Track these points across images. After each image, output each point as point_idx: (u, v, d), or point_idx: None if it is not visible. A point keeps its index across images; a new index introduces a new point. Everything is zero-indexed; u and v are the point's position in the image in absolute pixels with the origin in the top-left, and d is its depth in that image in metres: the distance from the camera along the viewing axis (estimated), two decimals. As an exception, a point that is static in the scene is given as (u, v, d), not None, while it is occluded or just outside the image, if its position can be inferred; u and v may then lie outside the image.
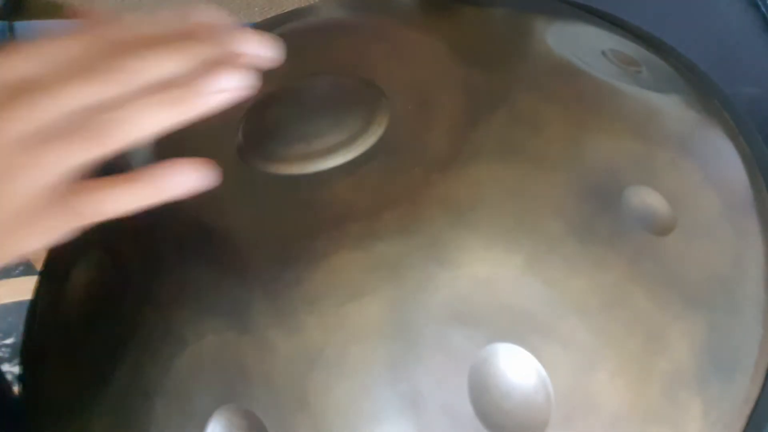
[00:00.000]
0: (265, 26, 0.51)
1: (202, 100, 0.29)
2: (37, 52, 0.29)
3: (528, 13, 0.46)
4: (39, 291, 0.46)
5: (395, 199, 0.36)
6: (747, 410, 0.35)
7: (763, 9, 0.63)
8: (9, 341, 1.01)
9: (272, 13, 0.52)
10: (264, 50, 0.31)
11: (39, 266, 0.46)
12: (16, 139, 0.27)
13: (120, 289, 0.39)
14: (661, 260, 0.35)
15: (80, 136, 0.28)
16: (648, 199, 0.37)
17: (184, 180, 0.29)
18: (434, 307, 0.33)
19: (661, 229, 0.36)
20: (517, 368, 0.33)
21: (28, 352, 0.44)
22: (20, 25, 0.65)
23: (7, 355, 1.01)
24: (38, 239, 0.29)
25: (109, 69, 0.28)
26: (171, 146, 0.44)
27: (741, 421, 0.35)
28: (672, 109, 0.42)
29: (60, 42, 0.29)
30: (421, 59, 0.43)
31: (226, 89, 0.29)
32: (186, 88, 0.29)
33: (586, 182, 0.36)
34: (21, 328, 0.45)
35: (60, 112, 0.28)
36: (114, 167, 0.29)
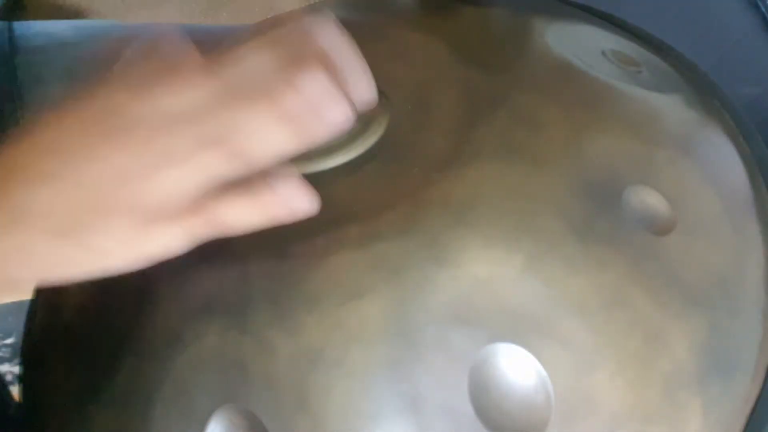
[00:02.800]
0: (265, 26, 0.51)
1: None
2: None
3: (528, 13, 0.46)
4: (39, 291, 0.46)
5: (395, 199, 0.36)
6: (747, 410, 0.35)
7: (763, 9, 0.63)
8: (9, 341, 1.01)
9: (271, 14, 0.51)
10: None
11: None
12: (197, 134, 0.28)
13: (120, 289, 0.39)
14: (660, 260, 0.35)
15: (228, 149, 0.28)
16: (648, 198, 0.37)
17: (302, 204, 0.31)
18: (434, 307, 0.33)
19: (661, 229, 0.36)
20: (517, 368, 0.33)
21: (28, 352, 0.44)
22: (19, 25, 0.65)
23: (7, 355, 1.01)
24: (171, 241, 0.30)
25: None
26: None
27: (741, 421, 0.35)
28: (672, 109, 0.42)
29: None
30: (421, 59, 0.43)
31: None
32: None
33: (586, 182, 0.36)
34: (21, 328, 0.45)
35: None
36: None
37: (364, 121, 0.39)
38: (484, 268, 0.34)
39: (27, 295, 0.46)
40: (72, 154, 0.28)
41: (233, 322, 0.35)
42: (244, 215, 0.30)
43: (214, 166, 0.28)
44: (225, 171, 0.29)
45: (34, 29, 0.65)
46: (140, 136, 0.28)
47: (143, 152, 0.28)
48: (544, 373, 0.33)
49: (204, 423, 0.34)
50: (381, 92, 0.40)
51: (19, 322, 0.45)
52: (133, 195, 0.28)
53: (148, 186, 0.28)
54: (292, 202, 0.31)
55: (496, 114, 0.38)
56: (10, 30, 0.64)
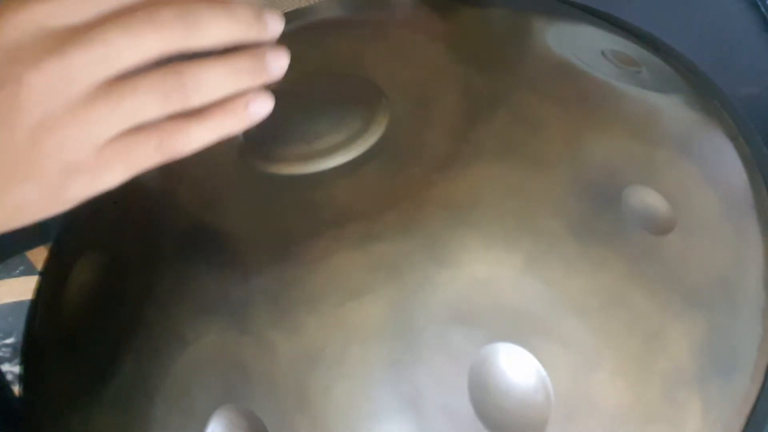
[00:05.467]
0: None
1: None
2: None
3: (528, 13, 0.46)
4: (39, 291, 0.46)
5: (395, 199, 0.36)
6: (746, 410, 0.35)
7: (763, 9, 0.63)
8: (9, 341, 1.01)
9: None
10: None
11: (39, 266, 0.46)
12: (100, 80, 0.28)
13: (120, 289, 0.39)
14: (660, 260, 0.35)
15: (168, 85, 0.29)
16: (647, 198, 0.37)
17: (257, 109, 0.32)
18: (434, 306, 0.33)
19: (661, 229, 0.36)
20: (517, 368, 0.33)
21: (28, 352, 0.44)
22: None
23: (7, 355, 1.01)
24: (122, 172, 0.30)
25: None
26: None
27: (740, 421, 0.35)
28: (672, 109, 0.42)
29: None
30: (421, 59, 0.43)
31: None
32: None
33: (586, 182, 0.36)
34: (21, 328, 0.45)
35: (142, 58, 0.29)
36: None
37: (364, 121, 0.39)
38: (484, 268, 0.34)
39: (26, 294, 0.47)
40: None
41: (233, 322, 0.35)
42: (201, 133, 0.30)
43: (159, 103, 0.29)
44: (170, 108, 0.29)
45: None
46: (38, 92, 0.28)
47: (42, 111, 0.28)
48: (543, 372, 0.33)
49: (204, 423, 0.34)
50: (381, 92, 0.41)
51: (19, 322, 0.45)
52: (44, 154, 0.28)
53: (60, 141, 0.28)
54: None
55: (496, 114, 0.38)
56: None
